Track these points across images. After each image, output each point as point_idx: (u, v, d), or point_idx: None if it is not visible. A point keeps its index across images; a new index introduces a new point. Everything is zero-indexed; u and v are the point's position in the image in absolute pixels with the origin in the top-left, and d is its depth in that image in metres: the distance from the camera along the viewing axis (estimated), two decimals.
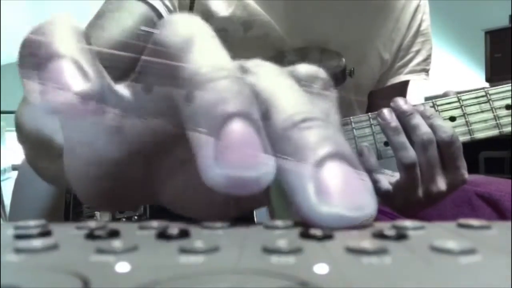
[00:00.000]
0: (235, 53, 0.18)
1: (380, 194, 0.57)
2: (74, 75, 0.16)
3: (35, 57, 0.16)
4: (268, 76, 0.18)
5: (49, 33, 0.17)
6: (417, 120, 0.53)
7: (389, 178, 0.60)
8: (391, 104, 0.55)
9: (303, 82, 0.19)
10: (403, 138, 0.53)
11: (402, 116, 0.54)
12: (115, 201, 0.21)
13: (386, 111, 0.54)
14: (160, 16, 0.62)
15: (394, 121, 0.54)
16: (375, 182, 0.56)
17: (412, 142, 0.53)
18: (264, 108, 0.17)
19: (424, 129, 0.52)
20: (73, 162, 0.19)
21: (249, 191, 0.15)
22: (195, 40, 0.17)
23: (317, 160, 0.15)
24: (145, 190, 0.21)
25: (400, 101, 0.55)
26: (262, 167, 0.15)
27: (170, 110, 0.17)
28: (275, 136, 0.16)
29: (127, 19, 0.60)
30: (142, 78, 0.18)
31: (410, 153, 0.53)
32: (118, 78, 0.19)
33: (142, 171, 0.20)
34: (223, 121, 0.15)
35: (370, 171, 0.56)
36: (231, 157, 0.15)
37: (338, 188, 0.15)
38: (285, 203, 0.17)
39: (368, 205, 0.15)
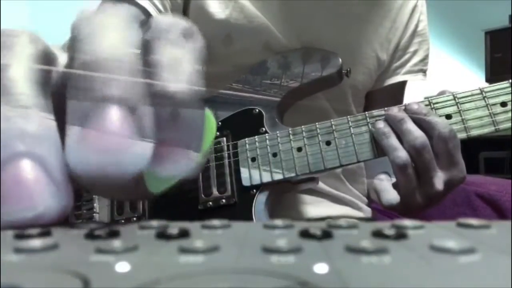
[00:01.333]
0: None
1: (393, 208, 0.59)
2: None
3: None
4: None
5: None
6: (408, 125, 0.53)
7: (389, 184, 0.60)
8: (384, 112, 0.56)
9: (158, 31, 0.19)
10: (393, 141, 0.53)
11: (394, 123, 0.54)
12: None
13: (379, 122, 0.55)
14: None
15: (385, 128, 0.54)
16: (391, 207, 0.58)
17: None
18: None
19: (416, 133, 0.52)
20: None
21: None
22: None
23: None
24: None
25: (392, 109, 0.55)
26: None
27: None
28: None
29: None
30: None
31: (401, 154, 0.53)
32: None
33: None
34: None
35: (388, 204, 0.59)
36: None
37: (97, 136, 0.16)
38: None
39: (128, 152, 0.16)
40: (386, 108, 0.56)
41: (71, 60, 0.17)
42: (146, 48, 0.18)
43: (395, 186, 0.58)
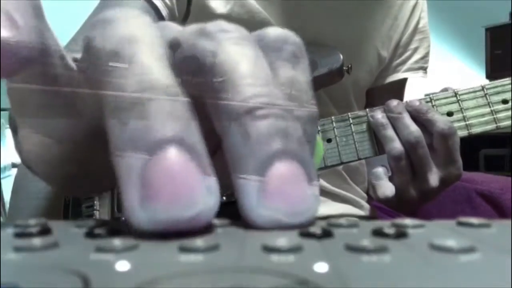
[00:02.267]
0: None
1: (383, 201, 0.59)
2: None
3: None
4: (230, 46, 0.16)
5: None
6: (405, 120, 0.54)
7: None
8: (384, 105, 0.56)
9: (271, 46, 0.17)
10: (390, 132, 0.54)
11: (391, 116, 0.55)
12: (80, 185, 0.20)
13: (377, 112, 0.56)
14: (158, 12, 0.62)
15: (383, 119, 0.55)
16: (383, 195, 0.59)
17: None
18: (222, 81, 0.15)
19: (411, 128, 0.53)
20: (29, 145, 0.18)
21: (189, 228, 0.13)
22: (126, 49, 0.15)
23: (266, 157, 0.14)
24: (111, 174, 0.19)
25: (391, 102, 0.56)
26: (198, 203, 0.13)
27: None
28: (229, 118, 0.15)
29: None
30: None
31: (396, 145, 0.54)
32: None
33: (105, 153, 0.19)
34: (154, 149, 0.13)
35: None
36: (160, 197, 0.13)
37: (280, 191, 0.14)
38: None
39: (308, 210, 0.15)
40: (386, 102, 0.56)
41: None
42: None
43: (391, 179, 0.59)
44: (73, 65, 0.17)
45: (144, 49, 0.15)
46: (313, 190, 0.15)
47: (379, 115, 0.56)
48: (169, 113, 0.14)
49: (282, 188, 0.14)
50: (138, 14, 0.16)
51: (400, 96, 0.79)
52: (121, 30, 0.15)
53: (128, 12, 0.16)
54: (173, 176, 0.13)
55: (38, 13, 0.16)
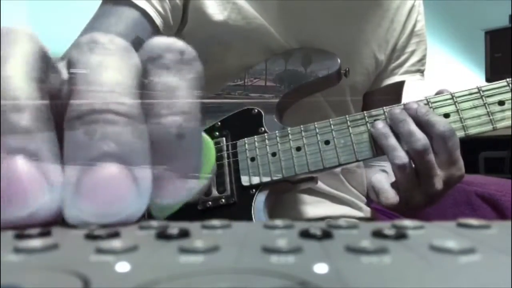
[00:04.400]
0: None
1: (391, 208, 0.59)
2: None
3: None
4: (82, 55, 0.17)
5: None
6: (410, 127, 0.53)
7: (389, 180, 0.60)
8: (386, 113, 0.56)
9: (151, 55, 0.18)
10: (392, 141, 0.53)
11: (395, 123, 0.54)
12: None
13: (379, 122, 0.55)
14: (151, 20, 0.62)
15: (384, 128, 0.54)
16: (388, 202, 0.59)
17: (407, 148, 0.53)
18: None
19: (418, 135, 0.52)
20: None
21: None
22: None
23: (89, 159, 0.15)
24: None
25: (394, 110, 0.55)
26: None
27: None
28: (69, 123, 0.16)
29: (118, 24, 0.61)
30: None
31: (400, 154, 0.53)
32: None
33: None
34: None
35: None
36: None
37: (93, 193, 0.15)
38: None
39: (123, 211, 0.16)
40: (385, 108, 0.56)
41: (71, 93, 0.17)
42: (142, 74, 0.18)
43: (394, 185, 0.59)
44: None
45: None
46: (135, 191, 0.16)
47: (380, 124, 0.55)
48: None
49: (97, 191, 0.15)
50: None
51: (398, 99, 0.78)
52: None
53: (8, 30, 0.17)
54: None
55: None
